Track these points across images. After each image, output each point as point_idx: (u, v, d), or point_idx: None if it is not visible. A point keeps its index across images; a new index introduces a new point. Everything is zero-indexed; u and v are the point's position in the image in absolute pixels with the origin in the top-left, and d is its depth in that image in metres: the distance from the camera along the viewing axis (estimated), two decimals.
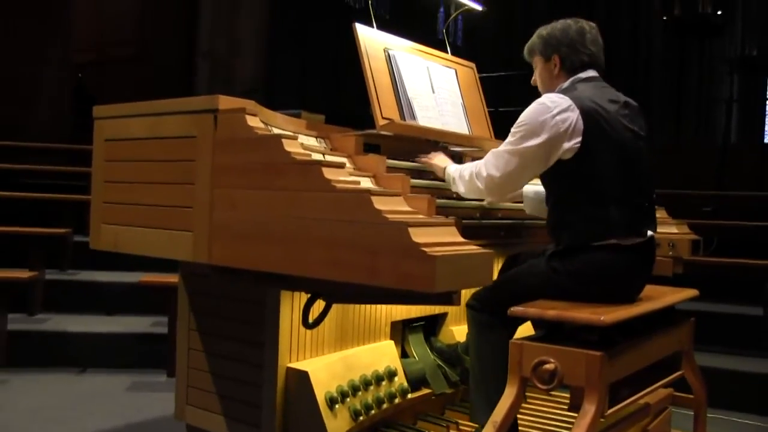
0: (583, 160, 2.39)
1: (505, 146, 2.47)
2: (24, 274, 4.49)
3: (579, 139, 2.37)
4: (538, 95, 2.56)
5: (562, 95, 2.44)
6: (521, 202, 2.90)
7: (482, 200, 2.78)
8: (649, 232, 2.51)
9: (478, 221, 2.75)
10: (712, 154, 8.02)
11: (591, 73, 2.57)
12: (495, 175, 2.47)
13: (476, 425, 2.62)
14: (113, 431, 3.41)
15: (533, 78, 2.72)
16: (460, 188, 2.63)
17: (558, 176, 2.47)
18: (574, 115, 2.37)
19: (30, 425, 3.45)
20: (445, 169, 2.73)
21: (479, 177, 2.51)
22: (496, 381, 2.41)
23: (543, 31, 2.65)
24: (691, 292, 2.88)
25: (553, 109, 2.38)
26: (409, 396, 2.78)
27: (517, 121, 2.45)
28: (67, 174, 6.67)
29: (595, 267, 2.39)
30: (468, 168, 2.58)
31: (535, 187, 2.77)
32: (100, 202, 2.62)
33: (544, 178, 2.56)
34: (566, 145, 2.37)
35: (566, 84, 2.56)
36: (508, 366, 2.42)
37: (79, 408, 3.72)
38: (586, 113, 2.38)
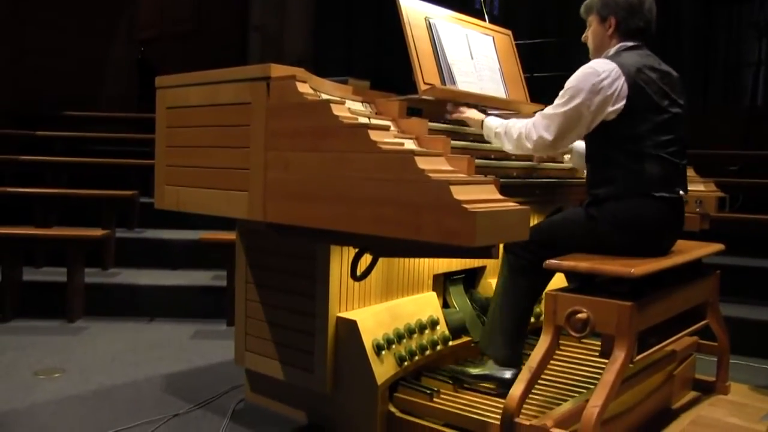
0: (625, 122, 2.38)
1: (554, 108, 2.45)
2: (97, 232, 4.57)
3: (623, 102, 2.36)
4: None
5: (608, 61, 2.42)
6: (559, 162, 2.86)
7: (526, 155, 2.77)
8: (681, 192, 2.47)
9: (515, 180, 2.72)
10: (739, 116, 7.82)
11: (637, 41, 2.53)
12: (545, 136, 2.45)
13: (486, 353, 2.69)
14: (181, 374, 3.48)
15: (584, 35, 2.67)
16: (507, 145, 2.60)
17: (600, 136, 2.45)
18: (620, 81, 2.36)
19: (110, 367, 3.54)
20: (483, 121, 2.70)
21: (529, 138, 2.49)
22: (513, 321, 2.54)
23: None
24: (717, 247, 2.84)
25: (601, 74, 2.37)
26: (450, 343, 2.79)
27: (567, 85, 2.43)
28: (134, 141, 6.75)
29: (629, 214, 2.38)
30: (515, 127, 2.55)
31: (581, 143, 2.73)
32: (163, 165, 2.65)
33: (587, 138, 2.54)
34: (611, 108, 2.37)
35: (612, 51, 2.53)
36: (528, 310, 2.55)
37: (150, 353, 3.81)
38: (631, 79, 2.37)
